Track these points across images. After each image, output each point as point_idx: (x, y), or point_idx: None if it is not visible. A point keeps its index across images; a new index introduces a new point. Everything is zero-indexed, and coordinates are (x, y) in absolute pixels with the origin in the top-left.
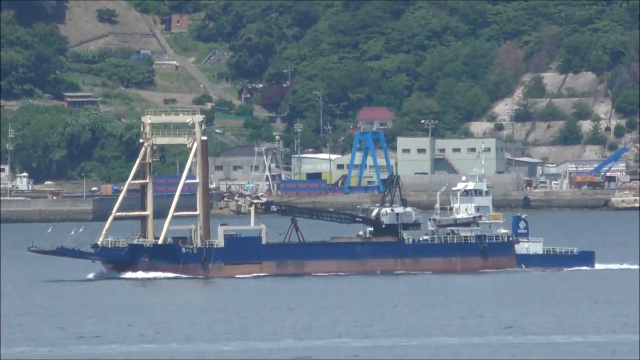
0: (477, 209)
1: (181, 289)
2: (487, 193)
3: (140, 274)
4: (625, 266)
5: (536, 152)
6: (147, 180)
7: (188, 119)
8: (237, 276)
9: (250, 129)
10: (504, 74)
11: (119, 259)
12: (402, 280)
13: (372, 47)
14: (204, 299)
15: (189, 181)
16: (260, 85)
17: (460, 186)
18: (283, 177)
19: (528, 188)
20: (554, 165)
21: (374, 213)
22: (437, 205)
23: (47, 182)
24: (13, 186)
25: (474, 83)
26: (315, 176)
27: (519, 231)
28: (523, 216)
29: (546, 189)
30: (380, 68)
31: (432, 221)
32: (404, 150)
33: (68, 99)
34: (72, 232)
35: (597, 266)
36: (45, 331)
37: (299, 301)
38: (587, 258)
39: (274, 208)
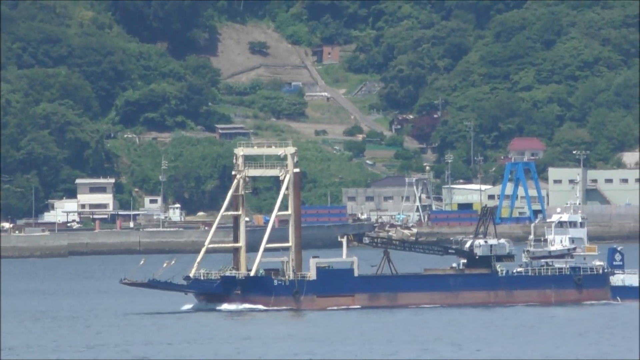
0: (572, 240)
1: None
2: (581, 225)
3: (233, 306)
4: None
5: None
6: (239, 212)
7: (280, 151)
8: (328, 308)
9: (401, 159)
10: None
11: (212, 291)
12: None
13: (524, 78)
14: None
15: (280, 213)
16: (411, 116)
17: (554, 218)
18: (434, 207)
19: None
20: None
21: (467, 245)
22: (531, 237)
23: (200, 213)
24: (165, 217)
25: (626, 113)
26: (466, 207)
27: (615, 263)
28: (619, 248)
29: None
30: (531, 98)
31: (525, 253)
32: (555, 181)
33: (220, 131)
34: (165, 264)
35: None
36: None
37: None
38: None
39: (366, 240)
